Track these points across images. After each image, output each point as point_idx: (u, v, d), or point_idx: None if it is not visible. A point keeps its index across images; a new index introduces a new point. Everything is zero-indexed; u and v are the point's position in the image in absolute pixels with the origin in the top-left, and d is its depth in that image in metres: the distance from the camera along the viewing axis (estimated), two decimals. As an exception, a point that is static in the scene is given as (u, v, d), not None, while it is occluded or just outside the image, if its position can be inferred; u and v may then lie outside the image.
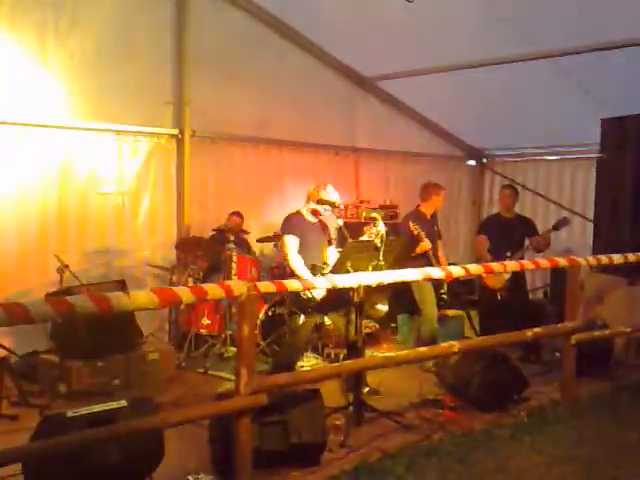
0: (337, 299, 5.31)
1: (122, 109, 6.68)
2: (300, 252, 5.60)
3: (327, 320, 6.16)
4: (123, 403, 3.76)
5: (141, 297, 3.44)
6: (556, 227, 6.75)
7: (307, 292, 5.28)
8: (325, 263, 5.59)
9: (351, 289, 4.92)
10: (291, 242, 5.60)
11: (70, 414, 3.59)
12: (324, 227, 5.89)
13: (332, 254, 5.75)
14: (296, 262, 5.55)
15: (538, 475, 4.18)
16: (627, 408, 5.35)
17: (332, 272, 4.97)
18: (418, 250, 6.37)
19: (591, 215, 8.12)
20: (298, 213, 5.79)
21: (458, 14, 6.35)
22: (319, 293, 5.32)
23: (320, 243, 5.77)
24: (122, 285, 6.10)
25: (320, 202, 5.61)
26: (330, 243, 5.90)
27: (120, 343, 5.72)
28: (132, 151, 6.83)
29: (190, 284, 6.46)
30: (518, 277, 6.88)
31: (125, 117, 6.70)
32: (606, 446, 4.62)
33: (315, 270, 5.48)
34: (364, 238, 5.22)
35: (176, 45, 7.04)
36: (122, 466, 3.57)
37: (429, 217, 6.79)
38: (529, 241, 6.80)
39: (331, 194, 5.64)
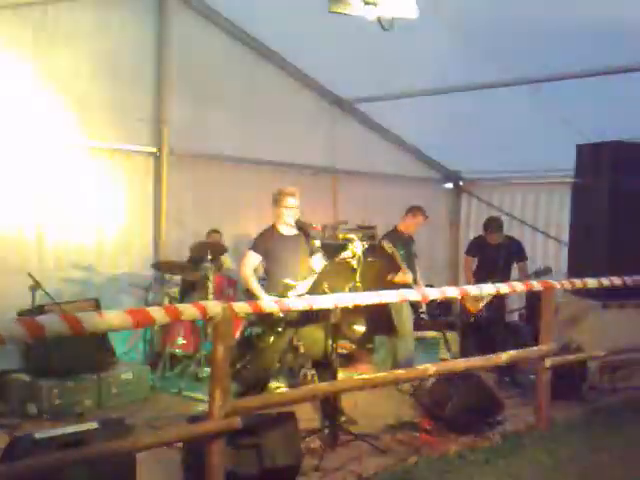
0: (309, 314, 5.19)
1: (100, 126, 6.68)
2: (271, 268, 5.52)
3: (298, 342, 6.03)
4: (94, 425, 3.69)
5: (114, 318, 3.37)
6: (537, 274, 6.71)
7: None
8: (304, 278, 5.39)
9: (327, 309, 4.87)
10: (249, 259, 5.54)
11: (38, 436, 3.50)
12: (306, 237, 5.51)
13: (317, 263, 5.54)
14: (248, 279, 5.49)
15: (513, 499, 4.18)
16: (600, 431, 5.37)
17: (309, 293, 4.94)
18: (397, 280, 6.30)
19: (566, 239, 8.18)
20: (272, 227, 5.67)
21: (437, 39, 6.42)
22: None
23: (297, 258, 5.57)
24: (95, 304, 6.03)
25: (298, 227, 5.48)
26: (312, 253, 5.60)
27: (92, 363, 5.61)
28: (109, 168, 6.79)
29: (166, 303, 6.39)
30: (498, 300, 6.94)
31: (103, 134, 6.68)
32: (580, 469, 4.63)
33: (286, 289, 5.30)
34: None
35: (156, 63, 7.06)
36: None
37: (407, 237, 6.89)
38: (518, 266, 6.89)
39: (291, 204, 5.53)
